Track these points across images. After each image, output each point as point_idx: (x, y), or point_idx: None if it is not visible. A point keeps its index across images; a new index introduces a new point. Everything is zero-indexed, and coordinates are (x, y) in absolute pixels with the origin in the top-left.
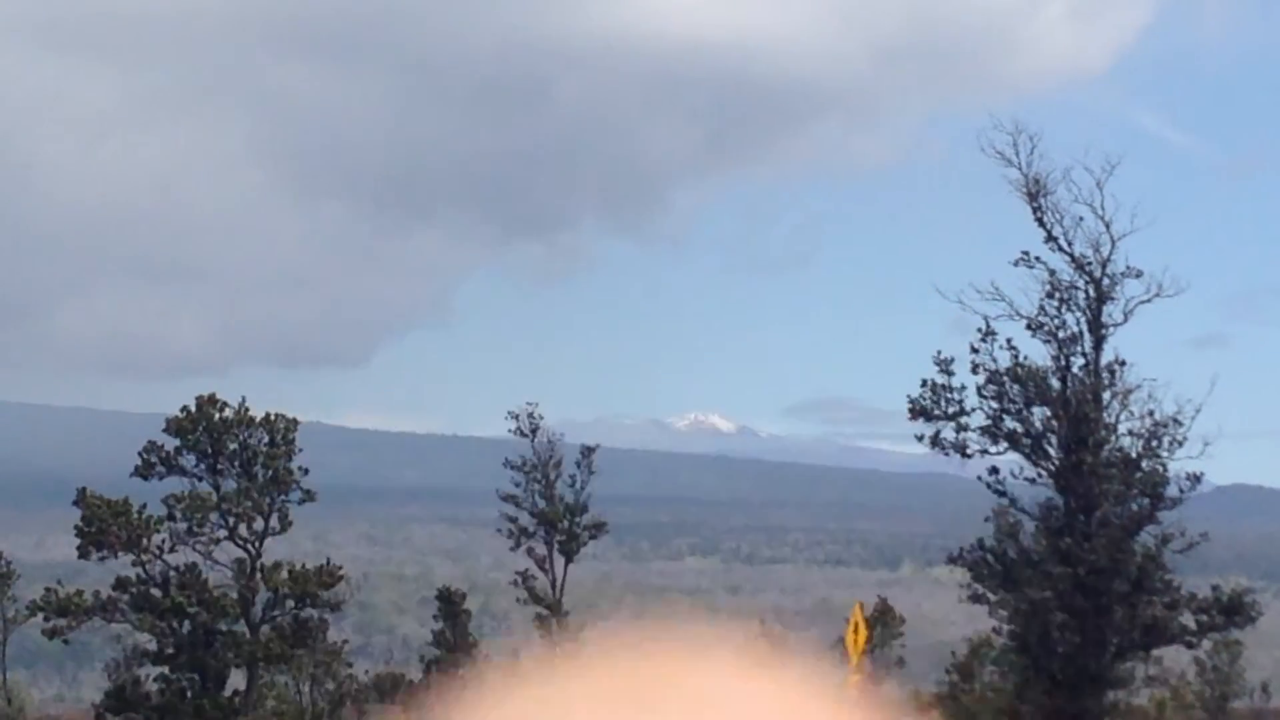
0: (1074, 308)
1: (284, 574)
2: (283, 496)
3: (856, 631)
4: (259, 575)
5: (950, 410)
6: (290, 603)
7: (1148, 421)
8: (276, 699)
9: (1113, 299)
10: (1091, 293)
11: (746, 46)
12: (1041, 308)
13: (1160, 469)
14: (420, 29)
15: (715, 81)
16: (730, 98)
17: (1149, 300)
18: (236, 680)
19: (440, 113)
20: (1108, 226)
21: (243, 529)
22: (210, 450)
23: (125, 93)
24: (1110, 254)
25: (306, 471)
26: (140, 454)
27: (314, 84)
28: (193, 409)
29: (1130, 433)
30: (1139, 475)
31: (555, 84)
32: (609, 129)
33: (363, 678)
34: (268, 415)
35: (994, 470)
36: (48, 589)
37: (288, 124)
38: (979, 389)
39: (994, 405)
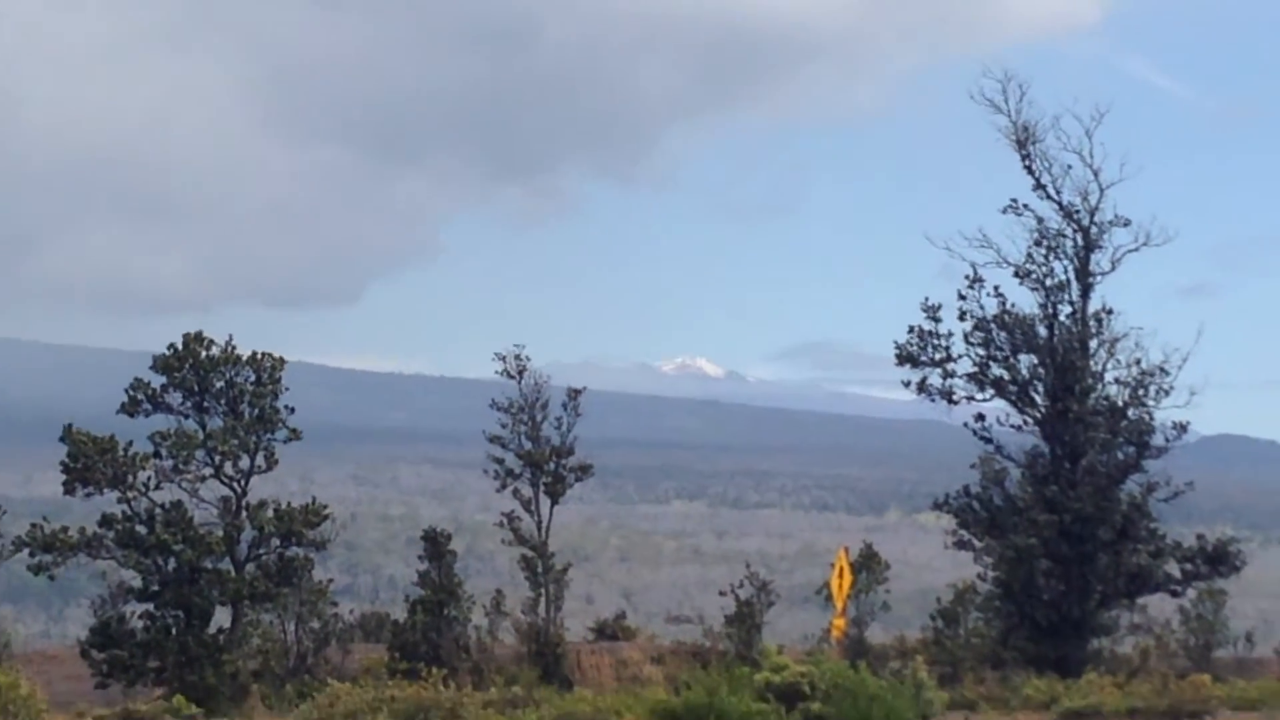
0: (1062, 256)
1: (269, 512)
2: (269, 435)
3: (841, 576)
4: (244, 513)
5: (937, 357)
6: (276, 541)
7: (1134, 370)
8: (261, 637)
9: (1100, 247)
10: (1079, 241)
11: None
12: (1029, 255)
13: (1146, 418)
14: None
15: (705, 24)
16: (720, 41)
17: (1137, 249)
18: (221, 618)
19: (429, 53)
20: (1096, 175)
21: (229, 467)
22: (197, 388)
23: (116, 28)
24: (1099, 202)
25: (293, 410)
26: (127, 391)
27: (305, 23)
28: (180, 347)
29: (1117, 381)
30: (1125, 424)
31: (544, 24)
32: (597, 71)
33: (348, 617)
34: (254, 354)
35: (980, 417)
36: (33, 525)
37: (278, 63)
38: (966, 336)
39: (981, 352)
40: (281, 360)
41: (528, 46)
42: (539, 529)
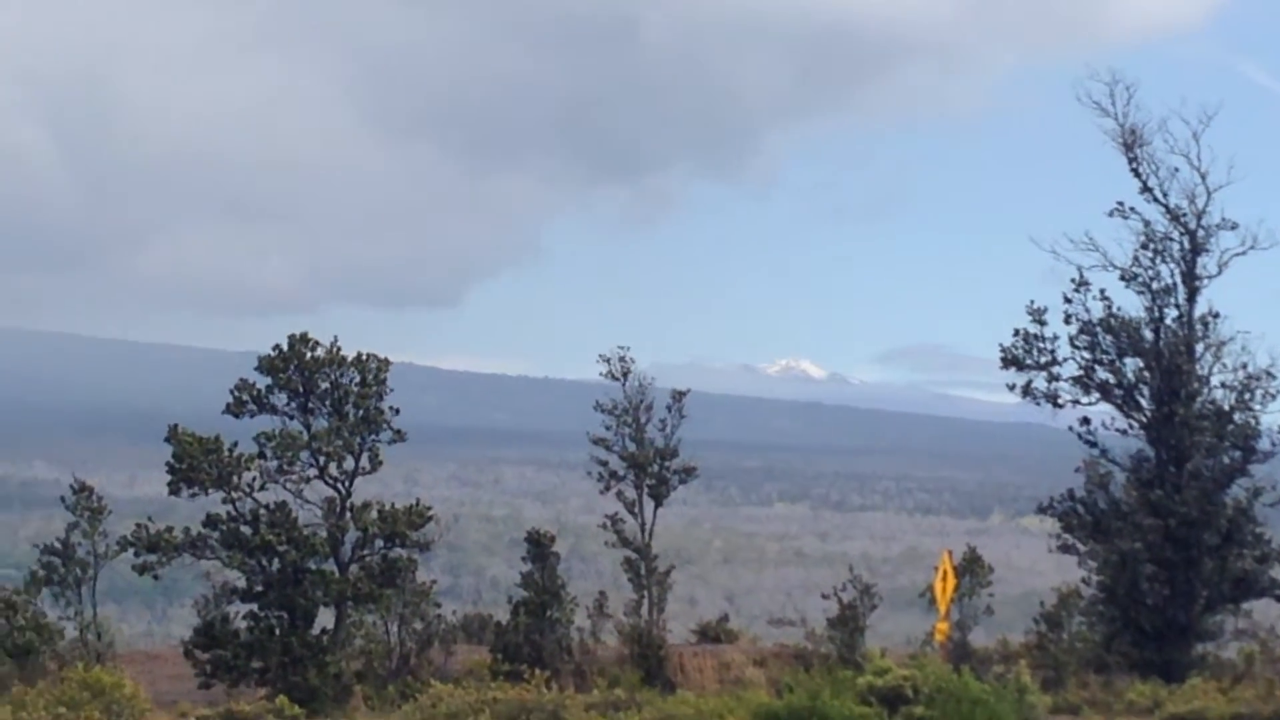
0: (1168, 259)
1: (373, 514)
2: (373, 436)
3: (945, 580)
4: (348, 514)
5: (1042, 360)
6: (379, 542)
7: (1240, 374)
8: (364, 638)
9: (1207, 251)
10: (1186, 244)
11: None
12: (1135, 259)
13: (1252, 422)
14: None
15: (804, 23)
16: (821, 40)
17: (1244, 253)
18: (325, 619)
19: (529, 52)
20: (1203, 178)
21: (333, 468)
22: (301, 389)
23: (218, 31)
24: (1206, 206)
25: (397, 412)
26: (232, 391)
27: (405, 23)
28: (284, 347)
29: (1223, 385)
30: (1231, 428)
31: (644, 22)
32: (698, 69)
33: (451, 618)
34: (359, 355)
35: (1085, 421)
36: (138, 525)
37: (379, 64)
38: (1072, 339)
39: (1086, 356)
40: (386, 361)
41: (627, 45)
42: (642, 531)
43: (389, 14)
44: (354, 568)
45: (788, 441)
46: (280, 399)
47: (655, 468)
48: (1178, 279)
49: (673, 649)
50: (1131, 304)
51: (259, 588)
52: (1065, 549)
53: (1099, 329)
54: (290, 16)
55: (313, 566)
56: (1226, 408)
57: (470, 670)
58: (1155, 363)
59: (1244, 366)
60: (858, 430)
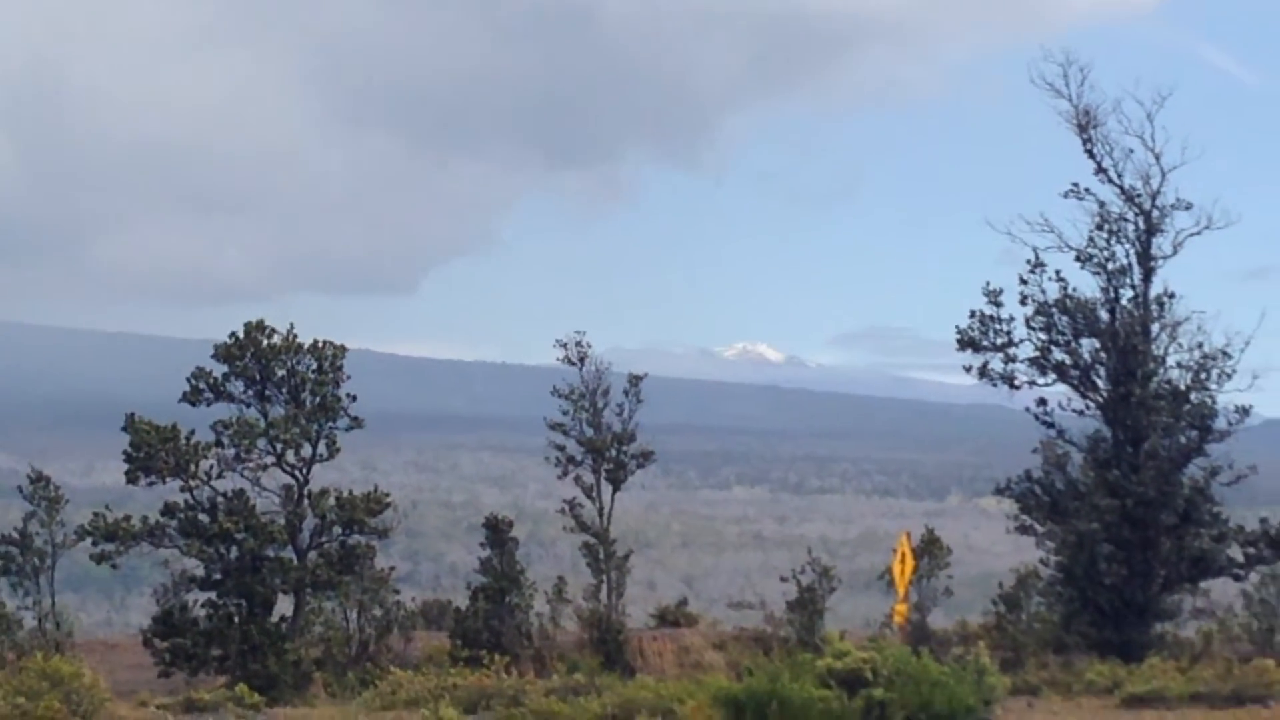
0: (1123, 240)
1: (331, 501)
2: (330, 423)
3: (903, 562)
4: (306, 502)
5: (999, 341)
6: (338, 529)
7: (1196, 354)
8: (324, 625)
9: (1162, 231)
10: (1141, 225)
11: None
12: (1091, 240)
13: (1209, 401)
14: None
15: (762, 9)
16: (776, 26)
17: (1199, 233)
18: (284, 606)
19: (487, 41)
20: (1158, 158)
21: (290, 455)
22: (258, 376)
23: (176, 21)
24: (1160, 186)
25: (354, 398)
26: (189, 380)
27: (363, 13)
28: (241, 335)
29: (1179, 365)
30: (1187, 407)
31: (599, 11)
32: (654, 57)
33: (410, 604)
34: (316, 342)
35: (1042, 402)
36: (96, 514)
37: (338, 53)
38: (1028, 320)
39: (1042, 337)
40: (343, 348)
41: (585, 33)
42: (600, 516)
43: (347, 3)
44: (312, 555)
45: (745, 425)
46: (237, 387)
47: (613, 452)
48: (1133, 259)
49: (632, 633)
50: (1087, 285)
51: (217, 576)
52: (1023, 530)
53: (1055, 310)
54: (248, 6)
55: (271, 554)
56: (1183, 387)
57: (430, 656)
58: (1111, 343)
59: (1199, 346)
60: (815, 413)
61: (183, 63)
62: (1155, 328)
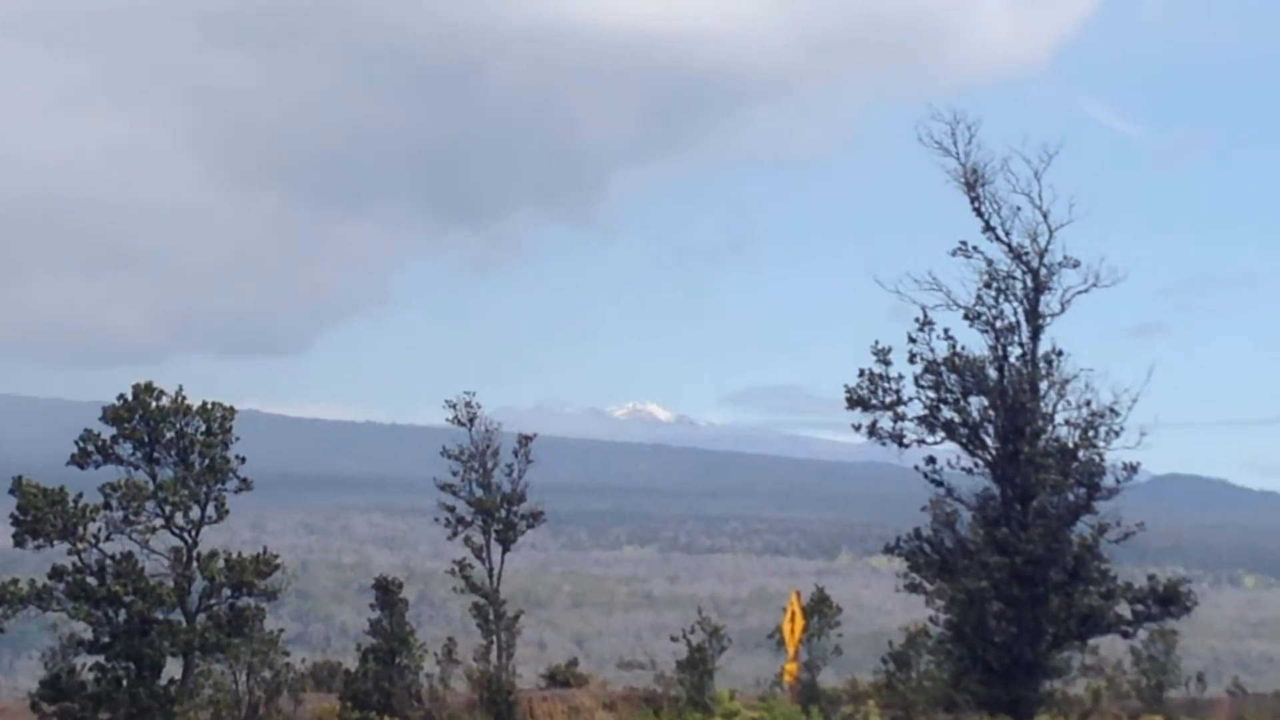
0: (1011, 298)
1: (220, 563)
2: (220, 485)
3: (794, 620)
4: (195, 564)
5: (888, 400)
6: (227, 591)
7: (1084, 411)
8: (213, 687)
9: (1050, 289)
10: (1029, 283)
11: (683, 34)
12: (979, 297)
13: (1097, 458)
14: (352, 16)
15: (652, 69)
16: (667, 85)
17: (1086, 290)
18: (173, 669)
19: (377, 100)
20: (1045, 216)
21: (179, 517)
22: (147, 439)
23: (61, 82)
24: (1048, 244)
25: (244, 460)
26: (76, 442)
27: (248, 73)
28: (129, 397)
29: (1067, 422)
30: (1076, 465)
31: (488, 69)
32: (544, 115)
33: (300, 666)
34: (204, 403)
35: (931, 460)
36: None
37: (223, 113)
38: (916, 379)
39: (931, 395)
40: (231, 410)
41: (475, 91)
42: (490, 576)
43: (236, 63)
44: (201, 617)
45: (636, 484)
46: (126, 449)
47: (502, 512)
48: (1021, 317)
49: (522, 694)
50: (976, 343)
51: (106, 639)
52: (912, 588)
53: (943, 368)
54: (138, 66)
55: (160, 617)
56: (1071, 445)
57: (320, 718)
58: (1000, 401)
59: (1088, 404)
60: (706, 472)
61: (73, 122)
62: (1043, 385)
